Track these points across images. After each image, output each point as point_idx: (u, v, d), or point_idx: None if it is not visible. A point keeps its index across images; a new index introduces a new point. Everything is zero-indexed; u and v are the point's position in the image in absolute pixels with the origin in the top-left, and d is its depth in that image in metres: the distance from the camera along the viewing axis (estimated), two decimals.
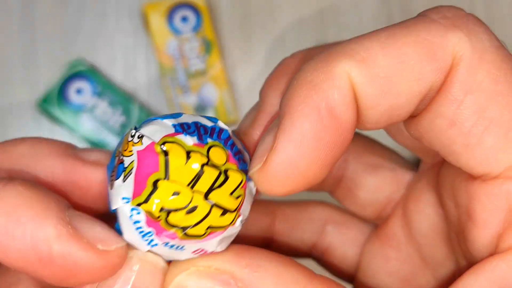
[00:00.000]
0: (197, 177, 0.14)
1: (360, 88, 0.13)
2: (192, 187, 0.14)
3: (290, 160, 0.13)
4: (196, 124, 0.15)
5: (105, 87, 0.40)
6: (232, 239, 0.15)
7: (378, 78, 0.13)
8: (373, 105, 0.14)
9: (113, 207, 0.14)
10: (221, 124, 0.15)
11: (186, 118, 0.15)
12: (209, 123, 0.15)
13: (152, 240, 0.14)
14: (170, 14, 0.40)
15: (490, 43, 0.14)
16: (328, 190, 0.20)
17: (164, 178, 0.14)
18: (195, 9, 0.40)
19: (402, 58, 0.13)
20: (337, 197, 0.20)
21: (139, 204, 0.14)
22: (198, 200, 0.14)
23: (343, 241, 0.20)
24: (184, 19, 0.40)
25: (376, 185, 0.19)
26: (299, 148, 0.13)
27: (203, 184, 0.14)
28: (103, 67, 0.41)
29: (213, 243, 0.15)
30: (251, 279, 0.14)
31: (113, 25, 0.42)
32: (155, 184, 0.14)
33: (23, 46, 0.41)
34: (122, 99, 0.40)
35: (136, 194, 0.14)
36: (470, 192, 0.15)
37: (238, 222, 0.15)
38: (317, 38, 0.42)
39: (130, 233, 0.14)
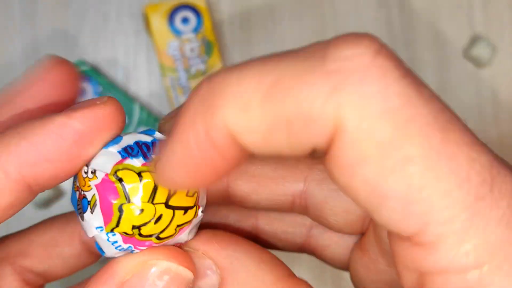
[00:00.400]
0: (154, 191, 0.16)
1: (239, 136, 0.13)
2: (152, 201, 0.16)
3: (175, 163, 0.14)
4: (137, 143, 0.16)
5: (107, 87, 0.40)
6: (198, 225, 0.17)
7: (256, 132, 0.13)
8: (257, 148, 0.14)
9: (90, 235, 0.16)
10: (158, 135, 0.17)
11: (127, 140, 0.16)
12: (148, 139, 0.16)
13: (132, 251, 0.16)
14: (171, 15, 0.40)
15: (384, 105, 0.12)
16: (303, 214, 0.20)
17: (127, 202, 0.15)
18: (195, 10, 0.41)
19: (281, 117, 0.13)
20: (313, 220, 0.20)
21: (112, 229, 0.16)
22: (161, 210, 0.16)
23: (330, 244, 0.20)
24: (185, 20, 0.40)
25: (343, 210, 0.19)
26: (183, 155, 0.14)
27: (161, 195, 0.16)
28: (104, 67, 0.41)
29: (184, 236, 0.17)
30: (229, 269, 0.16)
31: (114, 26, 0.42)
32: (120, 209, 0.15)
33: (24, 47, 0.41)
34: (124, 99, 0.40)
35: (107, 221, 0.16)
36: (390, 243, 0.15)
37: (199, 213, 0.17)
38: (316, 39, 0.43)
39: (111, 251, 0.16)
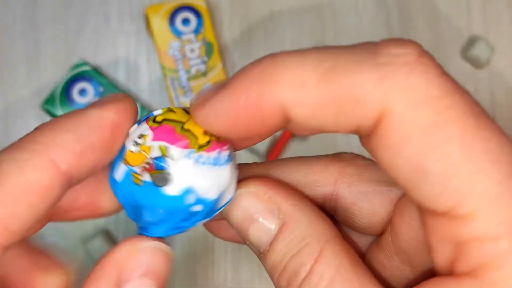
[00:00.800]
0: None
1: (292, 109, 0.15)
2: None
3: (220, 109, 0.16)
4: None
5: (108, 88, 0.40)
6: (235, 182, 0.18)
7: (308, 106, 0.15)
8: (304, 120, 0.16)
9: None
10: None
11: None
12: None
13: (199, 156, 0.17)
14: (172, 16, 0.40)
15: (427, 93, 0.14)
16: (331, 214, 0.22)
17: (184, 122, 0.17)
18: (196, 11, 0.41)
19: (333, 96, 0.15)
20: (338, 220, 0.21)
21: (200, 146, 0.17)
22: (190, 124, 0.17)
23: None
24: (186, 21, 0.41)
25: (370, 211, 0.20)
26: (230, 106, 0.16)
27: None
28: (105, 68, 0.42)
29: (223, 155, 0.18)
30: (291, 215, 0.18)
31: (115, 27, 0.42)
32: (184, 129, 0.17)
33: (26, 48, 0.41)
34: None
35: (187, 145, 0.17)
36: (424, 221, 0.16)
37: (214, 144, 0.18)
38: (316, 40, 0.43)
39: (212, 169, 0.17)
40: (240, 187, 0.18)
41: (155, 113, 0.18)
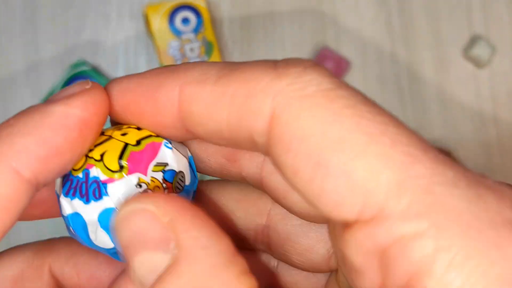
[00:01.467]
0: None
1: (188, 104, 0.15)
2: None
3: (128, 87, 0.16)
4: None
5: None
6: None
7: (202, 102, 0.15)
8: (200, 119, 0.15)
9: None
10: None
11: None
12: None
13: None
14: (171, 16, 0.40)
15: (319, 87, 0.14)
16: (266, 252, 0.20)
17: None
18: (196, 11, 0.41)
19: (226, 89, 0.15)
20: (276, 257, 0.19)
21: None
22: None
23: (299, 279, 0.20)
24: (185, 20, 0.41)
25: (306, 247, 0.18)
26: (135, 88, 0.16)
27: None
28: (105, 68, 0.41)
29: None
30: (188, 252, 0.14)
31: (115, 27, 0.42)
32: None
33: (26, 48, 0.41)
34: None
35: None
36: (341, 243, 0.14)
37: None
38: (316, 40, 0.43)
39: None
40: (138, 199, 0.14)
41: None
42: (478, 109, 0.43)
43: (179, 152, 0.17)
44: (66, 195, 0.16)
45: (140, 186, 0.15)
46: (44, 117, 0.15)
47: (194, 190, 0.17)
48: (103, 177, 0.15)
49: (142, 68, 0.42)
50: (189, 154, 0.17)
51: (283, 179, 0.14)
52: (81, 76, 0.40)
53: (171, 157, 0.16)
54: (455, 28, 0.43)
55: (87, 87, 0.15)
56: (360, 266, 0.13)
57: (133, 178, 0.15)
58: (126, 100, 0.16)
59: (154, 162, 0.16)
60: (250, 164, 0.17)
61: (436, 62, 0.43)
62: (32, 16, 0.42)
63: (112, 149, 0.16)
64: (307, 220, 0.17)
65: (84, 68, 0.40)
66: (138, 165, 0.16)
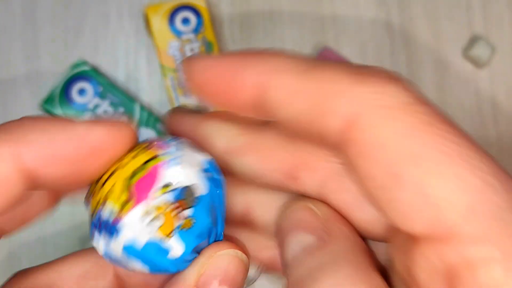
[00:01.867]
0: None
1: (268, 89, 0.16)
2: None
3: (209, 66, 0.17)
4: None
5: (107, 87, 0.40)
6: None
7: (284, 89, 0.15)
8: (275, 107, 0.16)
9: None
10: None
11: None
12: None
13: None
14: (171, 16, 0.40)
15: (400, 99, 0.14)
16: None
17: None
18: (196, 11, 0.41)
19: (308, 85, 0.15)
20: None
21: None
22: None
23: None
24: (185, 20, 0.41)
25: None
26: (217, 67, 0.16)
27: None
28: (105, 68, 0.41)
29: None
30: (336, 235, 0.16)
31: (115, 27, 0.42)
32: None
33: (25, 47, 0.41)
34: (124, 99, 0.40)
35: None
36: (410, 254, 0.14)
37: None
38: (316, 40, 0.43)
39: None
40: (303, 198, 0.17)
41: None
42: (477, 109, 0.43)
43: (188, 162, 0.16)
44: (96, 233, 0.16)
45: (148, 214, 0.15)
46: (67, 126, 0.15)
47: (219, 192, 0.17)
48: (111, 217, 0.16)
49: (142, 68, 0.42)
50: (208, 158, 0.17)
51: (355, 181, 0.15)
52: (81, 76, 0.40)
53: (174, 175, 0.16)
54: (455, 28, 0.44)
55: (119, 121, 0.16)
56: (424, 282, 0.14)
57: (139, 210, 0.15)
58: (204, 78, 0.16)
59: (157, 187, 0.16)
60: (312, 182, 0.17)
61: (435, 62, 0.43)
62: (32, 16, 0.42)
63: (120, 178, 0.16)
64: (367, 238, 0.18)
65: (84, 68, 0.40)
66: (142, 194, 0.16)
